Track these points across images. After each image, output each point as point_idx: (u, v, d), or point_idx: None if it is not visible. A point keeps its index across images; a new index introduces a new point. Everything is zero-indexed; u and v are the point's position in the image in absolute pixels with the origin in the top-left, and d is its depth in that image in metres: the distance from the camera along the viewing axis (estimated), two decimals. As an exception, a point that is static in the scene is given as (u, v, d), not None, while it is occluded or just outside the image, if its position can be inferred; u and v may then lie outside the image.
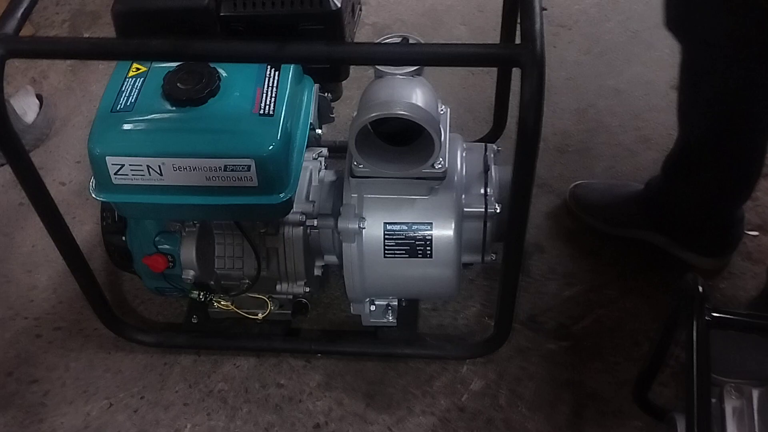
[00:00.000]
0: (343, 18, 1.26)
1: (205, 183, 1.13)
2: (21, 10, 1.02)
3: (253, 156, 1.10)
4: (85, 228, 1.68)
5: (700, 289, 0.96)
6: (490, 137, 1.69)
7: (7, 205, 1.75)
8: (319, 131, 1.38)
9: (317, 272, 1.39)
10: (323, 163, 1.39)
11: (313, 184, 1.34)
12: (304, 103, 1.26)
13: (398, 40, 1.15)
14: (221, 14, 1.25)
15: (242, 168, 1.11)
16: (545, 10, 2.21)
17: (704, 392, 0.95)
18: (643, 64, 1.96)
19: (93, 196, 1.17)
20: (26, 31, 2.14)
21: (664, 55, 1.91)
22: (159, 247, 1.28)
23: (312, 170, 1.35)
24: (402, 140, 1.19)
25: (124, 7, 1.25)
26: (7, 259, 1.66)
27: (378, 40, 1.16)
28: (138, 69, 1.20)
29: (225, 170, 1.11)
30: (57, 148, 1.88)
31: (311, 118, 1.30)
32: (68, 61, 2.04)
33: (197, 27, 1.25)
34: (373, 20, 2.11)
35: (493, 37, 1.54)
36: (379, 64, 1.13)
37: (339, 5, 1.24)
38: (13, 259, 1.66)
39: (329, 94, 1.42)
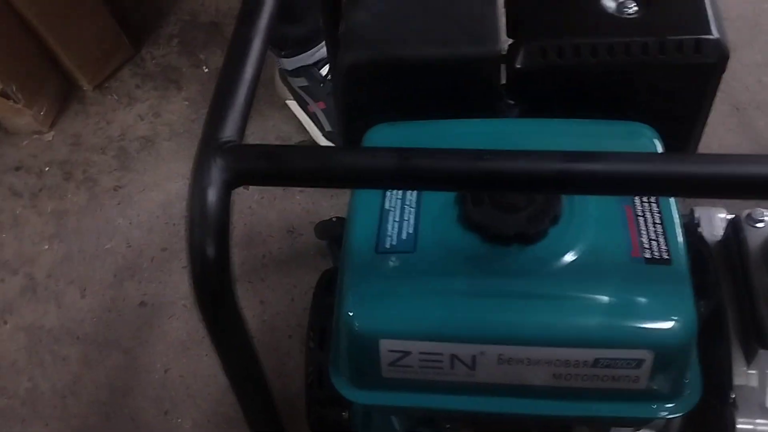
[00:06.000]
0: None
1: (549, 383, 0.63)
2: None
3: (653, 345, 0.60)
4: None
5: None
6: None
7: (125, 305, 1.28)
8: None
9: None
10: None
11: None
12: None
13: None
14: (517, 67, 0.76)
15: (628, 363, 0.61)
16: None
17: None
18: None
19: (341, 392, 0.68)
20: (126, 51, 1.67)
21: None
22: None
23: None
24: None
25: (364, 57, 0.77)
26: (131, 390, 1.19)
27: None
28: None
29: (593, 366, 0.62)
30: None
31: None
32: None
33: (472, 88, 0.77)
34: None
35: None
36: None
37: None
38: (139, 391, 1.18)
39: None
